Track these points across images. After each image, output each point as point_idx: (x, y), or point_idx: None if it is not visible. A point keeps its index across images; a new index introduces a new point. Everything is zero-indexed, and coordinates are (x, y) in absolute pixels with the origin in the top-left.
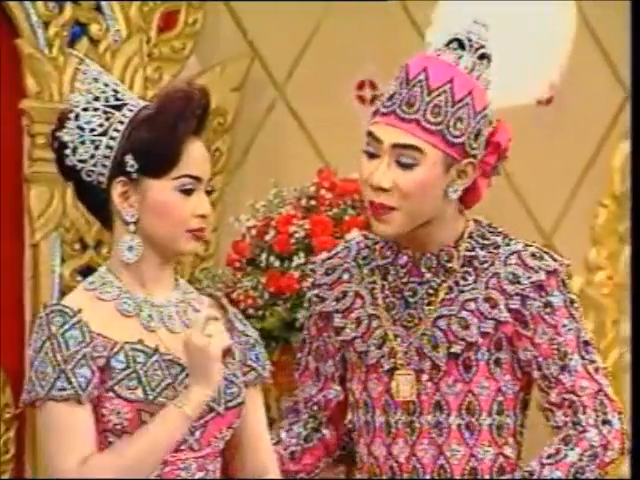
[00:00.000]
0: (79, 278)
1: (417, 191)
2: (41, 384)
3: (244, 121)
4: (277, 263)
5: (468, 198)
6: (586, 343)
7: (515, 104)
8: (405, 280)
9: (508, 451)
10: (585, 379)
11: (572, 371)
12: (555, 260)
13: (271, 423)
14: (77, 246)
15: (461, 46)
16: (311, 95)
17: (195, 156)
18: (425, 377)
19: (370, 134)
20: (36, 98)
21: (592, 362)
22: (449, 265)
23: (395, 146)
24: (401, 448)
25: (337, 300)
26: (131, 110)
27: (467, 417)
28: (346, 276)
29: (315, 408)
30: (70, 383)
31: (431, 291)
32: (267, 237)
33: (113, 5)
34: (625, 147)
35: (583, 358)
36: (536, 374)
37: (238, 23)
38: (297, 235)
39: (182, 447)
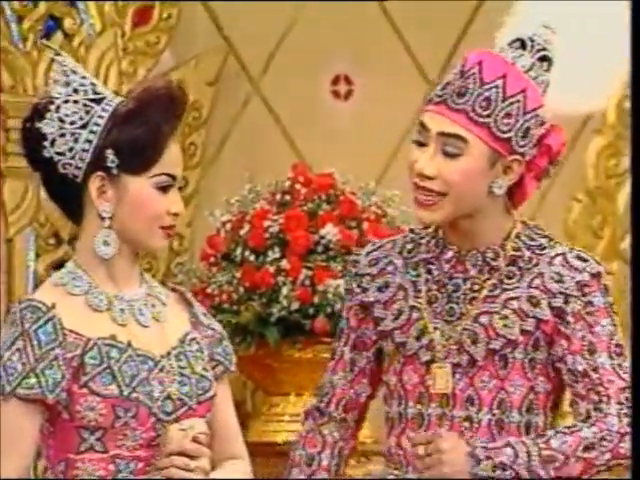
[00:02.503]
0: (53, 273)
1: (460, 181)
2: (9, 380)
3: (219, 116)
4: (252, 258)
5: (516, 197)
6: (618, 346)
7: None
8: (449, 275)
9: None
10: (612, 375)
11: (600, 368)
12: (599, 264)
13: (246, 417)
14: (52, 241)
15: (523, 46)
16: (286, 90)
17: (174, 155)
18: (461, 371)
19: (420, 122)
20: (10, 92)
21: (620, 365)
22: (494, 263)
23: (441, 134)
24: None
25: (379, 291)
26: (109, 104)
27: (498, 413)
28: (390, 268)
29: (347, 407)
30: (39, 383)
31: (474, 287)
32: (242, 232)
33: None
34: (599, 142)
35: (612, 359)
36: (564, 368)
37: (213, 18)
38: (272, 230)
39: (154, 443)
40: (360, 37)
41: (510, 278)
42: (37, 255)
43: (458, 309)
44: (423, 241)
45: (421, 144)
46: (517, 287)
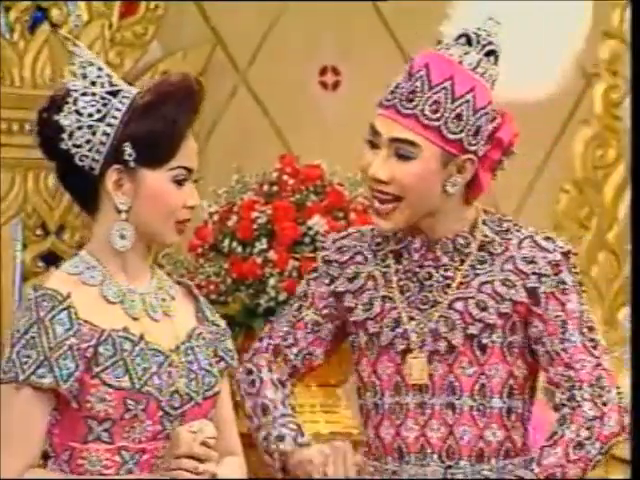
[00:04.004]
0: (41, 263)
1: (414, 184)
2: (22, 368)
3: (206, 107)
4: (239, 249)
5: (471, 191)
6: (588, 322)
7: (524, 99)
8: (420, 263)
9: (516, 435)
10: (583, 353)
11: (570, 346)
12: (566, 244)
13: (234, 408)
14: (39, 232)
15: (469, 42)
16: (274, 80)
17: (190, 148)
18: (438, 358)
19: (371, 126)
20: None
21: (592, 340)
22: (466, 250)
23: (393, 140)
24: (410, 428)
25: (349, 280)
26: (126, 97)
27: (479, 399)
28: (359, 258)
29: (304, 361)
30: (52, 372)
31: (447, 274)
32: (229, 223)
33: None
34: (586, 133)
35: (583, 335)
36: (541, 351)
37: (200, 9)
38: (259, 221)
39: (159, 436)
40: (347, 28)
41: (482, 263)
42: (24, 246)
43: (432, 297)
44: (390, 234)
45: (374, 145)
46: (490, 271)
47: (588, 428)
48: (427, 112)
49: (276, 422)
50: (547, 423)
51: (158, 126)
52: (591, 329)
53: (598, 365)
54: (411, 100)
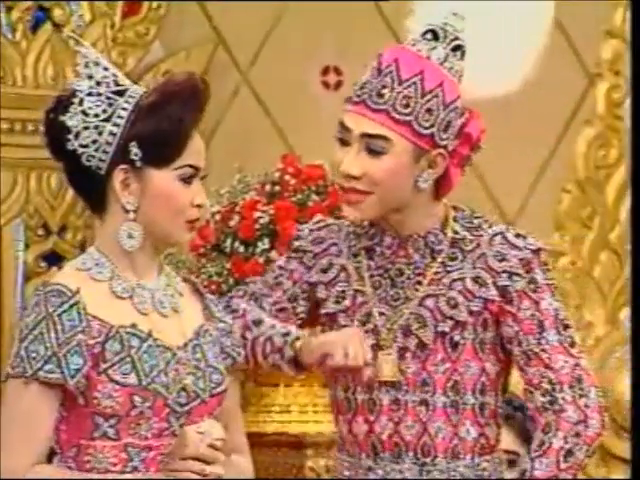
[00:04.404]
0: (43, 264)
1: (386, 179)
2: (30, 363)
3: (208, 106)
4: (241, 249)
5: (441, 187)
6: (564, 321)
7: (487, 95)
8: (391, 260)
9: (489, 432)
10: (561, 354)
11: (548, 346)
12: (537, 241)
13: (242, 406)
14: (40, 232)
15: (435, 37)
16: (276, 80)
17: (196, 147)
18: (410, 355)
19: (341, 123)
20: None
21: (568, 338)
22: (437, 247)
23: (364, 135)
24: (384, 425)
25: (323, 271)
26: (132, 97)
27: (452, 396)
28: (334, 249)
29: (280, 312)
30: (60, 368)
31: (418, 271)
32: (231, 223)
33: None
34: (588, 133)
35: (560, 334)
36: (516, 350)
37: (202, 9)
38: (261, 221)
39: (165, 433)
40: (349, 27)
41: (453, 260)
42: (26, 246)
43: (403, 294)
44: (363, 231)
45: (344, 142)
46: (461, 269)
47: (575, 434)
48: (398, 107)
49: (275, 327)
50: None
51: (164, 125)
52: (567, 327)
53: (577, 365)
54: (381, 95)
